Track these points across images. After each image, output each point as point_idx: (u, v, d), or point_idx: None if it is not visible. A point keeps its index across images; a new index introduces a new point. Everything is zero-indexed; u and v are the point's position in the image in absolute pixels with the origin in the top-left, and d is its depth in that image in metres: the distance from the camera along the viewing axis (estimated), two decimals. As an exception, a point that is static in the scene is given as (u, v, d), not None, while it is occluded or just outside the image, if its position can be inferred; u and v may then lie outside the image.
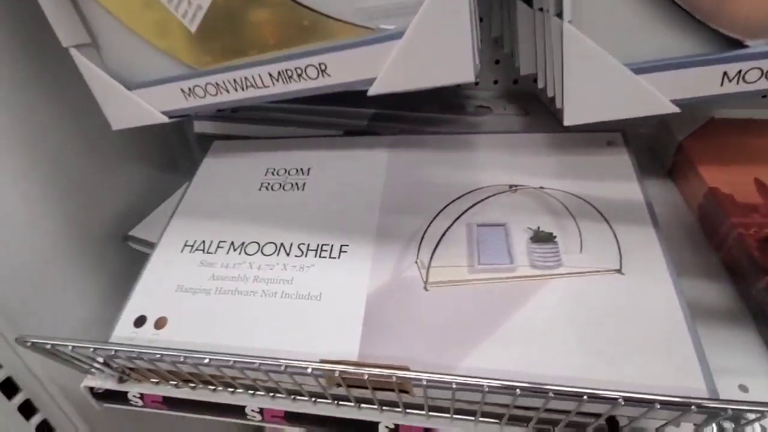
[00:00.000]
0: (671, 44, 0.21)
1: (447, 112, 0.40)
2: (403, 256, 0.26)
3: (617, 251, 0.24)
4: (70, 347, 0.24)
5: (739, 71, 0.20)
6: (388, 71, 0.20)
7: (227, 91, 0.24)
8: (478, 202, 0.28)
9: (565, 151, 0.30)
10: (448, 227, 0.27)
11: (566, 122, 0.23)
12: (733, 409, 0.18)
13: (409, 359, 0.23)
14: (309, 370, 0.21)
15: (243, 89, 0.23)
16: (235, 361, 0.22)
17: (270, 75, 0.22)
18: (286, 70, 0.22)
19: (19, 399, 0.32)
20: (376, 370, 0.20)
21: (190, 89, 0.25)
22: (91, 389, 0.29)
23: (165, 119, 0.27)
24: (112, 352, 0.23)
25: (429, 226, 0.27)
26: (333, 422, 0.26)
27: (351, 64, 0.20)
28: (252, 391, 0.26)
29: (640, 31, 0.20)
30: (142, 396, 0.29)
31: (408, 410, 0.24)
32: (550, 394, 0.19)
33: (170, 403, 0.29)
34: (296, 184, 0.32)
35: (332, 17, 0.21)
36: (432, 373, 0.20)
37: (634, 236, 0.25)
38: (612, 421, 0.21)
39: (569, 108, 0.22)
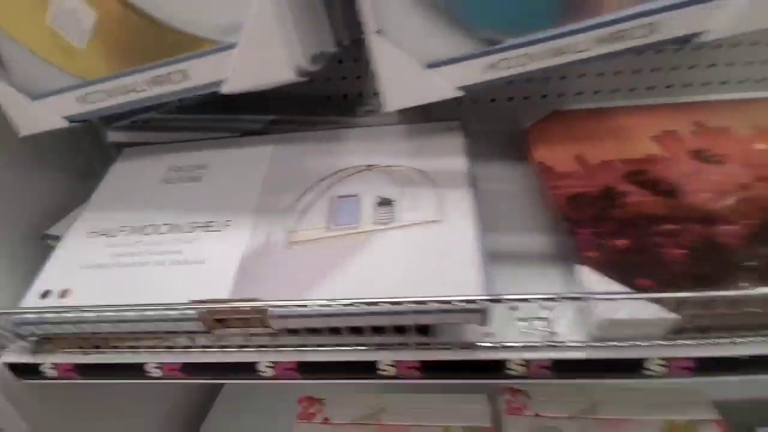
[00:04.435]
0: (452, 46, 0.28)
1: (342, 116, 0.47)
2: (275, 224, 0.32)
3: (440, 207, 0.31)
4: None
5: (499, 60, 0.27)
6: (233, 74, 0.26)
7: (112, 97, 0.29)
8: (338, 179, 0.34)
9: (415, 137, 0.37)
10: (312, 200, 0.33)
11: (386, 109, 0.30)
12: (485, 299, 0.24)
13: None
14: (179, 312, 0.26)
15: (124, 94, 0.29)
16: (119, 311, 0.27)
17: (145, 81, 0.28)
18: (157, 76, 0.28)
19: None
20: (228, 305, 0.26)
21: (83, 96, 0.30)
22: (10, 366, 0.33)
23: (65, 123, 0.32)
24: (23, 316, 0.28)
25: (299, 200, 0.33)
26: (219, 368, 0.31)
27: (205, 69, 0.26)
28: (152, 350, 0.31)
29: (432, 39, 0.27)
30: (55, 366, 0.32)
31: (280, 348, 0.30)
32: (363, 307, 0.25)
33: (80, 370, 0.33)
34: (194, 177, 0.37)
35: (190, 34, 0.27)
36: (274, 301, 0.25)
37: (454, 196, 0.32)
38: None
39: (386, 98, 0.29)
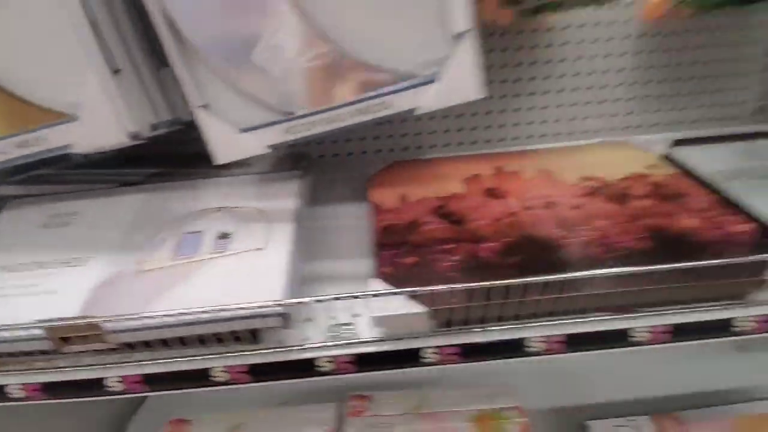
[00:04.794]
0: (262, 116, 0.37)
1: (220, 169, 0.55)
2: (129, 258, 0.38)
3: (266, 238, 0.39)
4: None
5: (291, 126, 0.36)
6: (78, 140, 0.34)
7: (-14, 157, 0.36)
8: (191, 219, 0.41)
9: (262, 184, 0.45)
10: (165, 236, 0.40)
11: (216, 162, 0.38)
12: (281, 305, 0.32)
13: (112, 320, 0.34)
14: (27, 332, 0.31)
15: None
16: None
17: (13, 144, 0.35)
18: (22, 141, 0.35)
19: None
20: (66, 323, 0.32)
21: (-39, 158, 0.36)
22: None
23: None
24: None
25: (154, 237, 0.40)
26: (74, 386, 0.36)
27: (59, 135, 0.34)
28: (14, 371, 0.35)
29: (243, 111, 0.37)
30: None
31: (124, 363, 0.35)
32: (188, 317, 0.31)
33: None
34: (66, 222, 0.43)
35: (50, 109, 0.35)
36: (102, 317, 0.31)
37: (279, 229, 0.40)
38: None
39: (214, 155, 0.38)
